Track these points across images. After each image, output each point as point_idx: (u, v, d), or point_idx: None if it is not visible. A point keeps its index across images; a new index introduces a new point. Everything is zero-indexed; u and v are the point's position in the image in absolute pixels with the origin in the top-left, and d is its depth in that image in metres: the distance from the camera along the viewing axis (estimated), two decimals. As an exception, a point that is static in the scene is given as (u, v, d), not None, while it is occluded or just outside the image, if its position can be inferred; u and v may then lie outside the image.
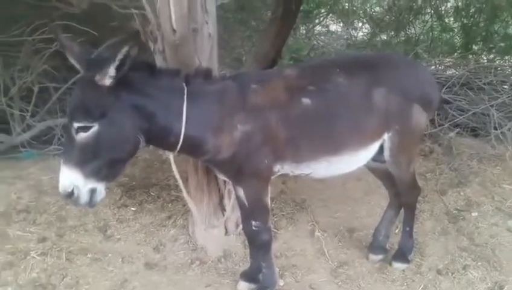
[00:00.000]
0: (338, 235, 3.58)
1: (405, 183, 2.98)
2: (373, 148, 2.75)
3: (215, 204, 3.37)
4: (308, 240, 3.54)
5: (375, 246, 3.26)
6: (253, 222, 2.69)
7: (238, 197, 2.87)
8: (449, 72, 6.45)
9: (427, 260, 3.19)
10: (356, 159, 2.74)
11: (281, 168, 2.62)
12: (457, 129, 5.19)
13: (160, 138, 2.39)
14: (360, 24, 9.23)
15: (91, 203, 2.29)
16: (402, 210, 3.22)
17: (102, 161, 2.21)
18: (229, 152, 2.46)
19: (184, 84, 2.39)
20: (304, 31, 8.91)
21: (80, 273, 3.11)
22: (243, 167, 2.53)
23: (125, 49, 2.05)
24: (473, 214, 3.71)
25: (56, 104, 5.45)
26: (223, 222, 3.39)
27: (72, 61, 2.26)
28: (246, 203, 2.73)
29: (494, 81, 5.60)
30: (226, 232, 3.43)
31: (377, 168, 3.09)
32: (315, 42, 8.74)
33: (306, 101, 2.49)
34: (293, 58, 7.42)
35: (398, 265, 3.13)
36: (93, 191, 2.26)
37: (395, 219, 3.29)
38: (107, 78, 2.11)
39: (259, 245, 2.78)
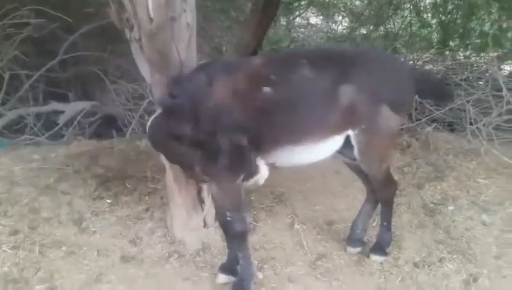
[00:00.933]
0: (317, 227, 3.58)
1: (377, 180, 2.99)
2: (333, 142, 2.74)
3: (193, 197, 3.32)
4: (287, 232, 3.53)
5: (352, 239, 3.28)
6: (228, 213, 2.70)
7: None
8: (427, 67, 6.55)
9: (404, 253, 3.22)
10: (317, 151, 2.75)
11: (259, 160, 2.65)
12: (435, 124, 5.27)
13: None
14: (340, 18, 9.26)
15: None
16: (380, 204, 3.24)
17: None
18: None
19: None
20: (285, 23, 8.89)
21: (53, 267, 3.01)
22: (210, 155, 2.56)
23: None
24: (449, 207, 3.76)
25: (28, 92, 5.28)
26: (202, 214, 3.35)
27: None
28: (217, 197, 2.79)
29: (470, 77, 5.70)
30: (205, 225, 3.40)
31: (351, 164, 3.10)
32: (295, 34, 8.73)
33: (266, 89, 2.53)
34: (273, 49, 7.39)
35: (376, 258, 3.15)
36: None
37: (372, 212, 3.33)
38: None
39: (232, 236, 2.78)
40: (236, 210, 2.70)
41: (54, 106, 4.95)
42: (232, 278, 2.90)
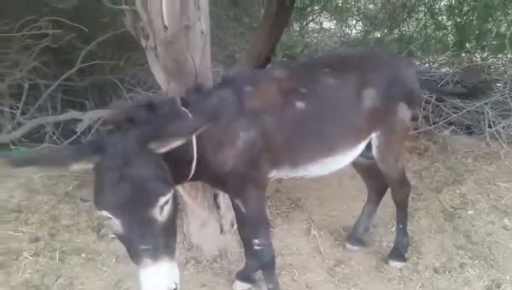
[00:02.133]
0: (334, 233, 3.56)
1: (394, 180, 3.00)
2: (362, 147, 2.77)
3: (209, 203, 3.33)
4: (304, 238, 3.52)
5: (354, 237, 3.36)
6: (256, 241, 2.53)
7: (236, 207, 2.74)
8: (443, 70, 6.47)
9: (424, 259, 3.18)
10: (347, 158, 2.74)
11: (277, 173, 2.57)
12: (452, 127, 5.21)
13: (177, 172, 2.03)
14: (354, 22, 9.22)
15: None
16: (396, 209, 3.21)
17: (174, 230, 1.88)
18: (233, 163, 2.31)
19: (184, 109, 2.19)
20: (298, 28, 8.88)
21: (73, 274, 3.05)
22: (245, 177, 2.39)
23: (203, 128, 1.82)
24: (469, 212, 3.71)
25: (47, 101, 5.38)
26: (218, 220, 3.36)
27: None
28: (246, 220, 2.60)
29: (488, 79, 5.62)
30: (221, 231, 3.39)
31: (357, 162, 3.06)
32: (308, 39, 8.72)
33: (300, 104, 2.45)
34: (286, 55, 7.40)
35: (394, 264, 3.12)
36: None
37: (374, 212, 3.39)
38: (165, 148, 1.81)
39: (264, 265, 2.64)
40: (266, 235, 2.57)
41: (72, 114, 5.01)
42: (248, 285, 2.89)
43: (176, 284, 1.73)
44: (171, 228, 1.82)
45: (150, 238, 1.69)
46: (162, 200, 1.72)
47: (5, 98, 5.17)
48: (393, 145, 2.83)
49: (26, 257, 3.18)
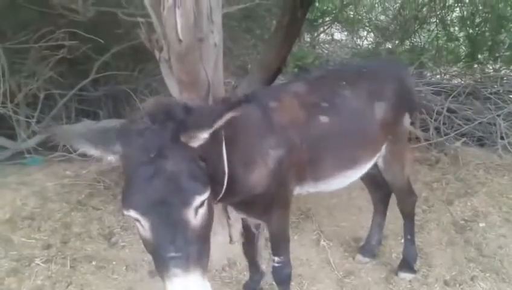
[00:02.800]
0: (344, 244, 3.55)
1: (401, 189, 3.02)
2: (376, 159, 2.80)
3: (219, 212, 3.35)
4: (313, 249, 3.52)
5: (366, 249, 3.35)
6: (276, 258, 2.48)
7: (246, 228, 2.72)
8: (454, 81, 6.45)
9: (434, 271, 3.15)
10: (364, 170, 2.74)
11: (300, 189, 2.52)
12: (464, 139, 5.17)
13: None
14: (365, 33, 9.24)
15: None
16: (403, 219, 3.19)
17: (208, 241, 1.70)
18: (265, 183, 2.19)
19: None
20: (309, 39, 8.93)
21: (84, 281, 3.09)
22: (274, 197, 2.29)
23: (229, 116, 1.68)
24: (481, 224, 3.67)
25: (61, 111, 5.48)
26: (228, 230, 3.37)
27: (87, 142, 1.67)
28: (270, 238, 2.51)
29: (501, 91, 5.59)
30: (231, 241, 3.41)
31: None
32: (320, 50, 8.75)
33: (324, 118, 2.42)
34: (297, 66, 7.43)
35: (404, 275, 3.10)
36: None
37: (383, 223, 3.37)
38: (195, 141, 1.67)
39: (282, 281, 2.58)
40: (286, 253, 2.52)
41: (86, 123, 5.11)
42: None
43: None
44: (204, 236, 1.65)
45: (182, 244, 1.52)
46: (198, 200, 1.57)
47: (21, 107, 5.28)
48: (399, 155, 2.86)
49: (38, 264, 3.24)
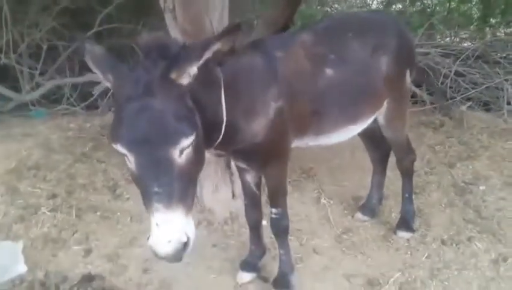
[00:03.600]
0: (344, 203, 3.60)
1: (401, 146, 3.03)
2: (377, 114, 2.77)
3: (222, 168, 3.38)
4: (313, 206, 3.57)
5: (366, 207, 3.39)
6: (274, 209, 2.50)
7: (246, 186, 2.67)
8: (464, 44, 6.32)
9: (432, 231, 3.20)
10: (365, 125, 2.74)
11: (298, 142, 2.51)
12: (469, 103, 5.12)
13: (204, 135, 1.85)
14: (375, -8, 8.97)
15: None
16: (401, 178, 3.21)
17: (194, 181, 1.74)
18: (264, 133, 2.18)
19: (218, 67, 1.98)
20: (317, -3, 8.68)
21: (89, 230, 3.17)
22: (272, 148, 2.28)
23: (215, 47, 1.64)
24: (481, 187, 3.69)
25: (65, 63, 5.44)
26: (230, 185, 3.42)
27: (97, 67, 1.69)
28: (268, 190, 2.51)
29: (511, 55, 5.48)
30: (233, 196, 3.46)
31: (364, 131, 2.96)
32: (328, 9, 8.54)
33: (329, 71, 2.38)
34: (304, 24, 7.27)
35: (402, 234, 3.15)
36: None
37: (383, 181, 3.39)
38: (185, 78, 1.64)
39: (279, 233, 2.59)
40: (284, 205, 2.52)
41: (90, 76, 5.08)
42: (253, 275, 2.78)
43: (188, 237, 1.60)
44: (191, 178, 1.67)
45: (165, 181, 1.55)
46: (184, 142, 1.56)
47: (24, 58, 5.24)
48: (401, 112, 2.85)
49: (44, 212, 3.31)
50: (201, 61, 1.64)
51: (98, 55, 1.68)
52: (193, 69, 1.64)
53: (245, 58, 2.17)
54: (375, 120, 2.83)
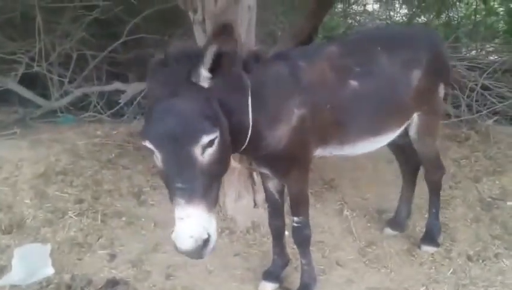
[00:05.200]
0: (367, 215, 3.57)
1: (430, 161, 3.00)
2: (404, 127, 2.78)
3: (245, 177, 3.41)
4: (336, 218, 3.55)
5: (395, 221, 3.35)
6: (296, 218, 2.52)
7: (269, 193, 2.71)
8: (490, 57, 6.23)
9: (458, 246, 3.15)
10: (390, 137, 2.73)
11: (322, 151, 2.52)
12: (496, 117, 5.03)
13: (231, 139, 1.94)
14: (398, 5, 8.93)
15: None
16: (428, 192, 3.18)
17: (218, 181, 1.82)
18: (286, 141, 2.24)
19: (245, 74, 2.08)
20: (341, 9, 8.70)
21: (114, 235, 3.23)
22: (295, 157, 2.33)
23: (213, 48, 1.67)
24: (508, 203, 3.62)
25: (92, 72, 5.58)
26: (252, 194, 3.44)
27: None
28: (289, 198, 2.52)
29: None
30: (255, 205, 3.48)
31: (394, 143, 2.98)
32: (351, 21, 8.54)
33: (354, 83, 2.41)
34: (327, 37, 7.29)
35: (427, 248, 3.10)
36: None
37: (412, 195, 3.35)
38: (204, 81, 1.75)
39: (301, 242, 2.61)
40: (305, 214, 2.54)
41: (117, 85, 5.20)
42: (275, 285, 2.76)
43: (208, 234, 1.66)
44: (214, 177, 1.75)
45: (188, 177, 1.64)
46: (205, 139, 1.65)
47: (55, 67, 5.40)
48: (432, 126, 2.84)
49: (71, 217, 3.38)
50: (207, 65, 1.71)
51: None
52: (206, 72, 1.73)
53: (271, 67, 2.26)
54: (406, 133, 2.83)
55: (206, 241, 1.66)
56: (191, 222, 1.62)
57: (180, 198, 1.63)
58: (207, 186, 1.69)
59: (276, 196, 2.70)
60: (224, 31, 1.65)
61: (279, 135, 2.22)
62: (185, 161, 1.64)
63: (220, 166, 1.79)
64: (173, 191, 1.66)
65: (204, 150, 1.68)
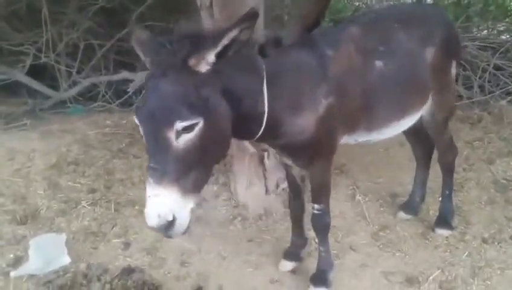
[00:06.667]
0: (379, 200, 3.55)
1: (443, 142, 2.97)
2: (423, 108, 2.71)
3: (256, 164, 3.40)
4: (348, 203, 3.53)
5: (409, 205, 3.32)
6: (316, 206, 2.49)
7: (291, 179, 2.69)
8: (502, 37, 6.11)
9: (472, 229, 3.13)
10: (414, 119, 2.68)
11: (348, 138, 2.47)
12: (510, 97, 4.95)
13: (243, 126, 1.93)
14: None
15: (187, 228, 1.76)
16: (442, 175, 3.15)
17: (202, 168, 1.78)
18: (312, 130, 2.17)
19: (260, 57, 2.00)
20: (347, -8, 8.56)
21: (128, 224, 3.25)
22: (320, 144, 2.25)
23: (233, 34, 1.65)
24: (523, 184, 3.58)
25: (100, 61, 5.57)
26: (264, 181, 3.43)
27: (141, 50, 1.83)
28: (311, 187, 2.48)
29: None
30: (267, 192, 3.47)
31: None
32: (358, 3, 8.40)
33: (379, 63, 2.34)
34: (332, 20, 7.18)
35: (441, 231, 3.08)
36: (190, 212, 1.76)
37: (426, 178, 3.30)
38: (203, 65, 1.69)
39: (320, 229, 2.59)
40: (326, 202, 2.51)
41: (124, 74, 5.20)
42: (295, 264, 2.81)
43: (174, 217, 1.65)
44: (192, 162, 1.69)
45: (159, 159, 1.63)
46: (178, 125, 1.60)
47: (62, 57, 5.39)
48: (445, 105, 2.78)
49: (85, 206, 3.41)
50: (218, 49, 1.67)
51: (143, 39, 1.82)
52: (211, 57, 1.68)
53: (295, 54, 2.15)
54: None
55: (171, 223, 1.65)
56: (158, 201, 1.63)
57: (151, 177, 1.64)
58: (182, 171, 1.66)
59: (298, 180, 2.69)
60: (250, 18, 1.62)
61: (303, 123, 2.14)
62: (159, 142, 1.63)
63: (203, 154, 1.72)
64: (148, 169, 1.67)
65: (179, 135, 1.63)
